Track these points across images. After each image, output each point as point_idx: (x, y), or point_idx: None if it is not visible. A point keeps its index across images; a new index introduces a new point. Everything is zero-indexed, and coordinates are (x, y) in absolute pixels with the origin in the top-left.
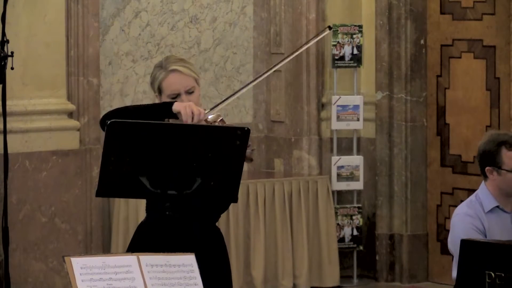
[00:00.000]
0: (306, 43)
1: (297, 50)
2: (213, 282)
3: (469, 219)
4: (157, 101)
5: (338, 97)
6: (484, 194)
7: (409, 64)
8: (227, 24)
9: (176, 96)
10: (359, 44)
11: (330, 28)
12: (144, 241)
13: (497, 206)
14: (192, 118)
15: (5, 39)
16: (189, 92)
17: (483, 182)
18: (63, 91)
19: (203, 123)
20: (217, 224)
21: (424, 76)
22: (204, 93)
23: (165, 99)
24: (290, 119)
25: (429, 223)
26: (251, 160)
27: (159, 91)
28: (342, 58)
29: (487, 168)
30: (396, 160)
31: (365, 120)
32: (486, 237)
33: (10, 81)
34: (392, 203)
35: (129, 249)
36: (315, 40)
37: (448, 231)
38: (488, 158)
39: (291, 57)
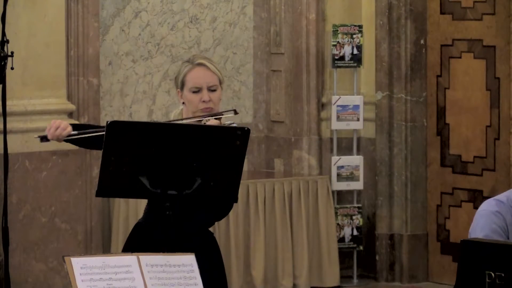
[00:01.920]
0: (215, 114)
1: (207, 116)
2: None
3: (494, 219)
4: (178, 97)
5: (338, 97)
6: None
7: (409, 64)
8: (227, 24)
9: (197, 91)
10: (359, 44)
11: (236, 112)
12: (139, 241)
13: None
14: (55, 131)
15: (5, 39)
16: (212, 90)
17: None
18: (63, 91)
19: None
20: (216, 224)
21: (424, 76)
22: None
23: (187, 93)
24: (290, 119)
25: (429, 223)
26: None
27: (182, 84)
28: (342, 58)
29: None
30: (396, 160)
31: (365, 120)
32: (508, 238)
33: (10, 81)
34: (392, 203)
35: (124, 249)
36: (220, 116)
37: (448, 231)
38: None
39: (201, 118)
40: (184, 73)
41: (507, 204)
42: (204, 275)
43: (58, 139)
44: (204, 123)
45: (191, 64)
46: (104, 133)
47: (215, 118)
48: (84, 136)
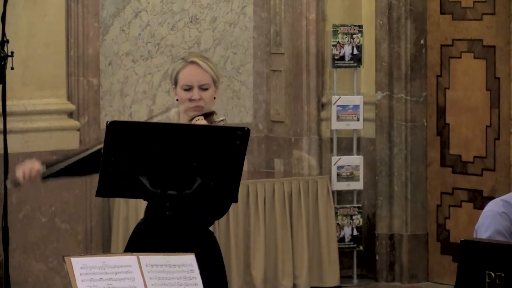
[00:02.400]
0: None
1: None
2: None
3: (500, 220)
4: (173, 94)
5: (338, 97)
6: None
7: (409, 64)
8: (227, 24)
9: (189, 89)
10: (359, 44)
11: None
12: (141, 241)
13: None
14: (24, 175)
15: (5, 39)
16: (203, 88)
17: None
18: (63, 91)
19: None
20: (216, 223)
21: (424, 76)
22: None
23: (179, 90)
24: (290, 119)
25: (429, 223)
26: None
27: (175, 81)
28: (342, 58)
29: None
30: (396, 160)
31: (365, 120)
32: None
33: (10, 81)
34: (392, 203)
35: (126, 249)
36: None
37: (448, 231)
38: None
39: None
40: (177, 71)
41: None
42: (204, 275)
43: (31, 179)
44: (194, 122)
45: (185, 61)
46: (78, 158)
47: (204, 118)
48: (60, 169)
